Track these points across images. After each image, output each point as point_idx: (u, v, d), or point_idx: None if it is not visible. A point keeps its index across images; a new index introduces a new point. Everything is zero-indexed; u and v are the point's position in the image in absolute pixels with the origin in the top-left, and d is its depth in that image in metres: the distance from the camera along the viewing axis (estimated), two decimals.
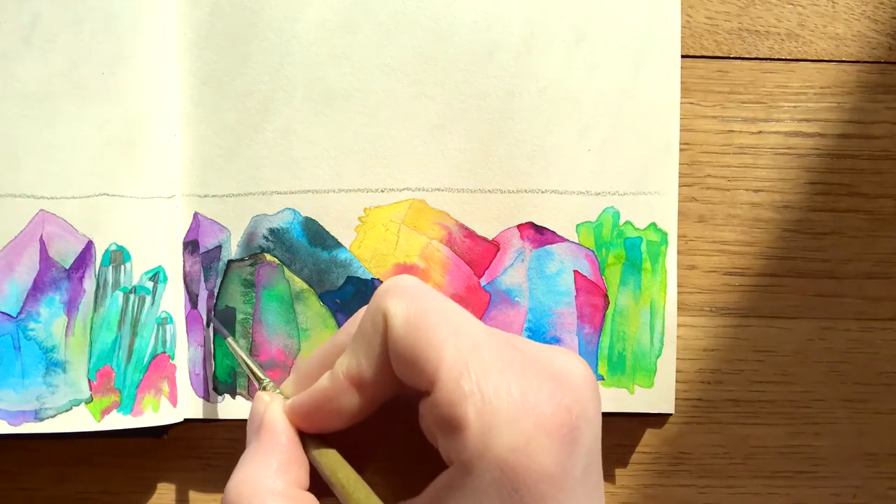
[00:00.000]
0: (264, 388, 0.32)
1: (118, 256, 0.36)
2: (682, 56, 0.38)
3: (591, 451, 0.26)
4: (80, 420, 0.36)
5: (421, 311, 0.26)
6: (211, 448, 0.39)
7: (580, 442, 0.25)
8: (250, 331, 0.37)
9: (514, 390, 0.25)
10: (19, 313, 0.36)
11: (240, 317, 0.37)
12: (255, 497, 0.27)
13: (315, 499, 0.28)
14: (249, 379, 0.37)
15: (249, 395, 0.37)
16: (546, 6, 0.37)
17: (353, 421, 0.28)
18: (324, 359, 0.30)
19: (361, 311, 0.29)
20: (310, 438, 0.29)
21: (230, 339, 0.35)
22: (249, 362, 0.34)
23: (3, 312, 0.35)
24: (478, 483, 0.24)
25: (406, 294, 0.27)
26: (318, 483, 0.29)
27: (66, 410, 0.36)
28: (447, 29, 0.37)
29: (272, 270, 0.37)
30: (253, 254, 0.37)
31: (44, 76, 0.36)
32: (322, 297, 0.37)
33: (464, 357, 0.25)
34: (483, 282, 0.38)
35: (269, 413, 0.29)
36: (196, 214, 0.37)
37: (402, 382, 0.27)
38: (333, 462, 0.28)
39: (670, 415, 0.38)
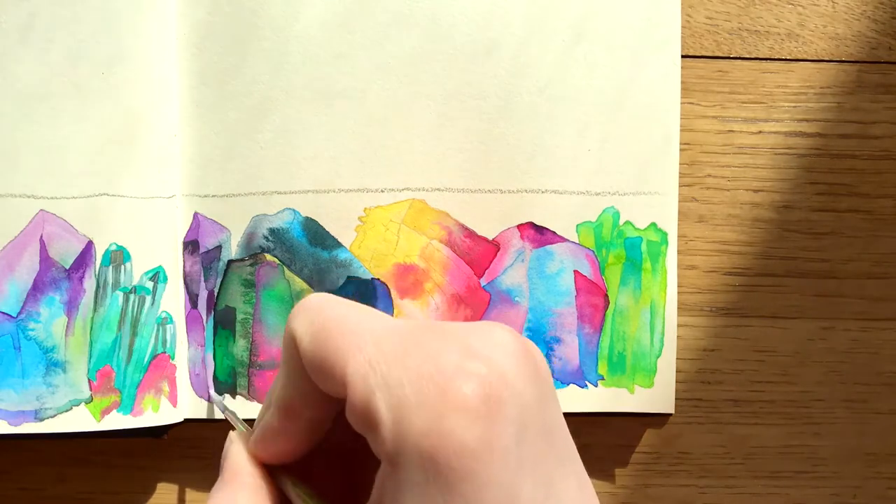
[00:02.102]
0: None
1: (118, 256, 0.36)
2: (682, 56, 0.38)
3: (524, 417, 0.25)
4: (80, 420, 0.36)
5: (321, 323, 0.26)
6: (211, 448, 0.39)
7: (502, 411, 0.24)
8: (250, 331, 0.37)
9: (419, 374, 0.24)
10: (19, 313, 0.36)
11: (240, 317, 0.37)
12: None
13: None
14: (250, 381, 0.37)
15: (250, 396, 0.37)
16: (545, 5, 0.37)
17: (307, 445, 0.29)
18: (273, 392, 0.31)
19: None
20: (280, 471, 0.30)
21: (227, 413, 0.35)
22: (239, 424, 0.34)
23: (3, 312, 0.35)
24: (404, 474, 0.24)
25: (308, 311, 0.27)
26: None
27: (66, 410, 0.35)
28: (446, 28, 0.37)
29: (272, 270, 0.37)
30: (253, 254, 0.37)
31: (43, 76, 0.36)
32: None
33: (366, 355, 0.25)
34: (483, 282, 0.38)
35: (231, 450, 0.30)
36: (196, 214, 0.37)
37: (335, 399, 0.27)
38: (298, 490, 0.29)
39: (670, 415, 0.38)
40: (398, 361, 0.25)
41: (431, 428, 0.24)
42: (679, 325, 0.39)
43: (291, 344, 0.27)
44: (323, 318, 0.27)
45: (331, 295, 0.29)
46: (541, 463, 0.25)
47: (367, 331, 0.26)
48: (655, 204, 0.38)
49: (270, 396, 0.30)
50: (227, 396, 0.37)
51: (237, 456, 0.30)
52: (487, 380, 0.24)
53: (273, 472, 0.30)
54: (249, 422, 0.37)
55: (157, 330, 0.36)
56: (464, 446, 0.24)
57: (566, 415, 0.26)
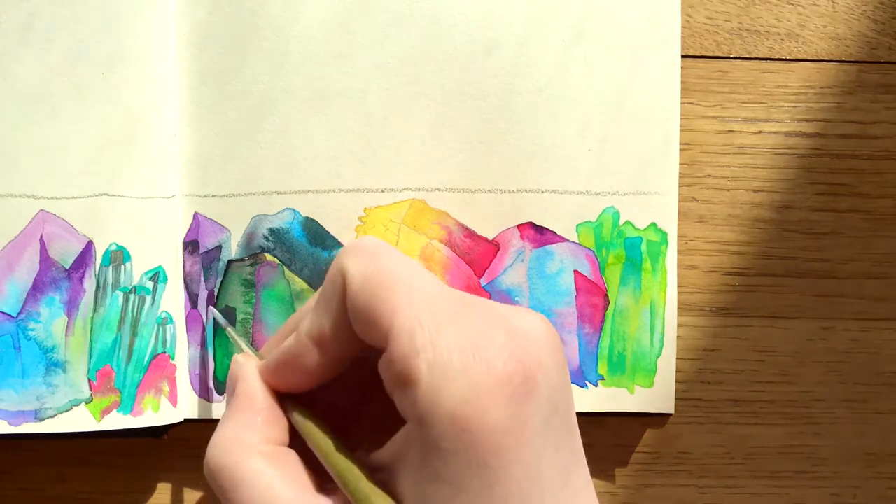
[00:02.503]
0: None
1: (118, 256, 0.36)
2: (682, 56, 0.38)
3: (552, 404, 0.26)
4: (80, 420, 0.36)
5: (377, 269, 0.27)
6: None
7: (536, 394, 0.25)
8: (250, 331, 0.37)
9: (466, 344, 0.25)
10: (19, 313, 0.36)
11: (240, 317, 0.37)
12: (234, 454, 0.28)
13: (295, 454, 0.28)
14: None
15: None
16: (545, 5, 0.37)
17: (320, 379, 0.29)
18: (295, 324, 0.31)
19: None
20: (288, 400, 0.30)
21: (229, 330, 0.35)
22: (243, 344, 0.34)
23: (3, 312, 0.35)
24: (432, 436, 0.24)
25: (364, 254, 0.27)
26: (301, 442, 0.29)
27: (66, 410, 0.35)
28: (446, 28, 0.37)
29: (272, 270, 0.37)
30: (253, 254, 0.37)
31: (43, 76, 0.36)
32: None
33: (416, 313, 0.25)
34: (483, 282, 0.38)
35: (244, 373, 0.30)
36: (196, 214, 0.37)
37: (362, 344, 0.28)
38: (308, 421, 0.29)
39: (670, 415, 0.38)
40: (447, 328, 0.25)
41: (470, 398, 0.24)
42: (679, 325, 0.39)
43: (339, 281, 0.27)
44: (377, 265, 0.27)
45: (384, 242, 0.29)
46: (561, 451, 0.26)
47: (419, 289, 0.26)
48: (655, 204, 0.38)
49: (292, 326, 0.31)
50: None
51: (252, 381, 0.30)
52: (527, 363, 0.25)
53: (280, 400, 0.30)
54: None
55: (157, 330, 0.36)
56: (499, 422, 0.24)
57: None
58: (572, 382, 0.38)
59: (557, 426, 0.26)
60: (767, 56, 0.39)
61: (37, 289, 0.36)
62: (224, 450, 0.28)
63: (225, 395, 0.31)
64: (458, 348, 0.25)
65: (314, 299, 0.30)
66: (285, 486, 0.27)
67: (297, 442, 0.29)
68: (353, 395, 0.31)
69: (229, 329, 0.35)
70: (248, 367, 0.30)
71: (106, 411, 0.36)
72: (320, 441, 0.28)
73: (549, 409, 0.25)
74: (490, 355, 0.25)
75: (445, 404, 0.24)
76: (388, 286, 0.26)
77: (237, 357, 0.31)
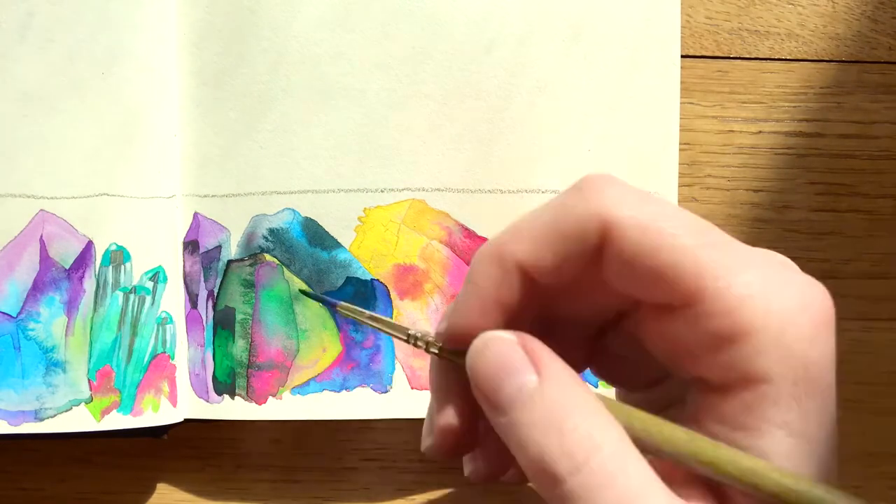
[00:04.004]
0: (423, 343, 0.27)
1: (118, 256, 0.36)
2: (682, 56, 0.38)
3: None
4: (80, 420, 0.36)
5: (655, 215, 0.23)
6: (211, 448, 0.39)
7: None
8: (249, 331, 0.37)
9: (788, 284, 0.23)
10: (19, 313, 0.36)
11: (239, 317, 0.37)
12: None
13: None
14: (248, 381, 0.37)
15: (248, 397, 0.37)
16: (545, 5, 0.37)
17: (504, 319, 0.25)
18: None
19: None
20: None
21: (341, 306, 0.30)
22: (384, 318, 0.29)
23: (3, 312, 0.35)
24: (780, 388, 0.22)
25: (630, 199, 0.24)
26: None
27: (66, 410, 0.36)
28: (445, 27, 0.37)
29: (272, 270, 0.37)
30: (253, 254, 0.37)
31: (42, 75, 0.36)
32: None
33: (725, 261, 0.23)
34: None
35: (534, 344, 0.24)
36: (196, 214, 0.37)
37: (587, 295, 0.24)
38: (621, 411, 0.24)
39: None
40: (761, 271, 0.23)
41: (815, 339, 0.23)
42: None
43: (597, 226, 0.23)
44: (652, 209, 0.24)
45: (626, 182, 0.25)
46: None
47: (705, 233, 0.24)
48: None
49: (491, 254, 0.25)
50: (227, 397, 0.37)
51: (542, 346, 0.24)
52: (831, 305, 0.24)
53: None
54: (241, 422, 0.38)
55: (157, 330, 0.37)
56: (833, 360, 0.23)
57: None
58: None
59: None
60: (767, 56, 0.39)
61: (37, 289, 0.36)
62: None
63: (493, 383, 0.24)
64: (783, 291, 0.23)
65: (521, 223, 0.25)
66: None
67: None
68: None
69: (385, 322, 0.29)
70: (532, 340, 0.24)
71: (106, 411, 0.36)
72: (660, 430, 0.23)
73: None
74: (814, 299, 0.23)
75: (796, 350, 0.22)
76: (677, 235, 0.23)
77: (494, 335, 0.24)
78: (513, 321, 0.24)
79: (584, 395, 0.23)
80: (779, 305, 0.23)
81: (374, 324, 0.29)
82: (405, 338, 0.27)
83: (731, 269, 0.23)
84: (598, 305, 0.26)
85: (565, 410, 0.22)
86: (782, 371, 0.22)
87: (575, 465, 0.22)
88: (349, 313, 0.29)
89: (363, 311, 0.29)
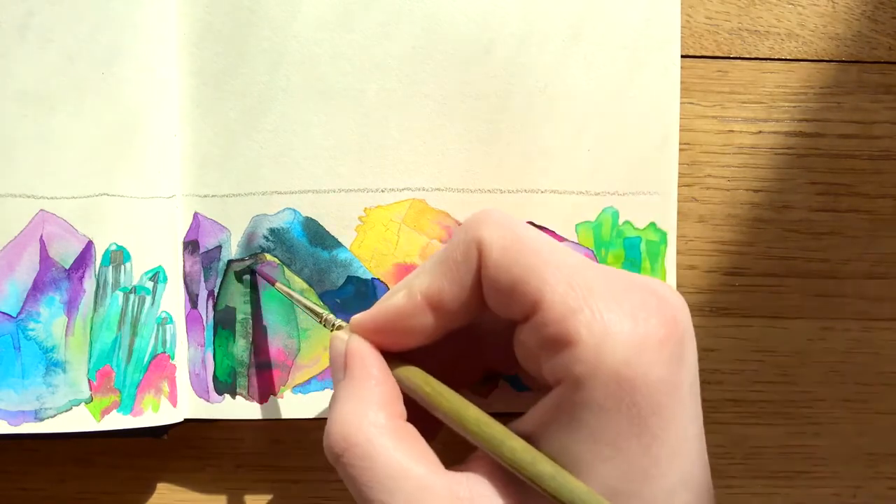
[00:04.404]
0: (331, 326, 0.32)
1: (118, 256, 0.36)
2: (682, 56, 0.38)
3: (695, 369, 0.26)
4: (80, 420, 0.36)
5: (516, 238, 0.27)
6: (211, 448, 0.39)
7: (685, 357, 0.26)
8: (250, 331, 0.37)
9: (623, 305, 0.25)
10: (19, 313, 0.36)
11: (240, 317, 0.37)
12: (360, 433, 0.27)
13: (415, 429, 0.28)
14: (249, 381, 0.37)
15: (249, 396, 0.37)
16: (545, 5, 0.37)
17: (423, 341, 0.29)
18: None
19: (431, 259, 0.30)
20: (389, 359, 0.29)
21: (279, 284, 0.35)
22: (304, 301, 0.34)
23: (3, 312, 0.35)
24: (591, 397, 0.24)
25: (499, 224, 0.28)
26: (413, 414, 0.29)
27: (66, 410, 0.36)
28: (445, 27, 0.37)
29: (272, 270, 0.37)
30: (253, 254, 0.37)
31: (42, 75, 0.36)
32: (322, 296, 0.37)
33: (566, 276, 0.26)
34: None
35: (355, 346, 0.29)
36: (196, 214, 0.37)
37: (478, 312, 0.28)
38: (420, 376, 0.28)
39: None
40: (602, 289, 0.25)
41: (633, 357, 0.24)
42: None
43: (473, 252, 0.27)
44: (516, 234, 0.27)
45: (508, 214, 0.29)
46: (699, 414, 0.27)
47: (561, 254, 0.27)
48: (654, 204, 0.38)
49: (404, 287, 0.30)
50: (227, 397, 0.37)
51: (367, 356, 0.29)
52: (679, 326, 0.26)
53: (389, 360, 0.29)
54: (241, 422, 0.38)
55: (157, 330, 0.37)
56: (661, 381, 0.24)
57: None
58: None
59: (697, 392, 0.26)
60: (767, 56, 0.39)
61: (37, 289, 0.36)
62: (354, 428, 0.27)
63: (332, 371, 0.30)
64: (615, 308, 0.25)
65: (418, 272, 0.30)
66: (415, 462, 0.27)
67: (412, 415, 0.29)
68: (443, 361, 0.30)
69: (290, 292, 0.35)
70: (358, 342, 0.29)
71: (106, 411, 0.36)
72: (434, 392, 0.27)
73: (693, 373, 0.26)
74: (648, 315, 0.25)
75: (608, 363, 0.24)
76: (530, 253, 0.26)
77: (338, 334, 0.30)
78: (446, 326, 0.29)
79: (369, 392, 0.28)
80: (602, 323, 0.25)
81: (299, 303, 0.35)
82: (319, 320, 0.33)
83: (570, 286, 0.25)
84: (497, 320, 0.29)
85: (348, 405, 0.28)
86: (593, 382, 0.24)
87: (343, 447, 0.27)
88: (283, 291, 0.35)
89: (291, 292, 0.35)
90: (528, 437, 0.26)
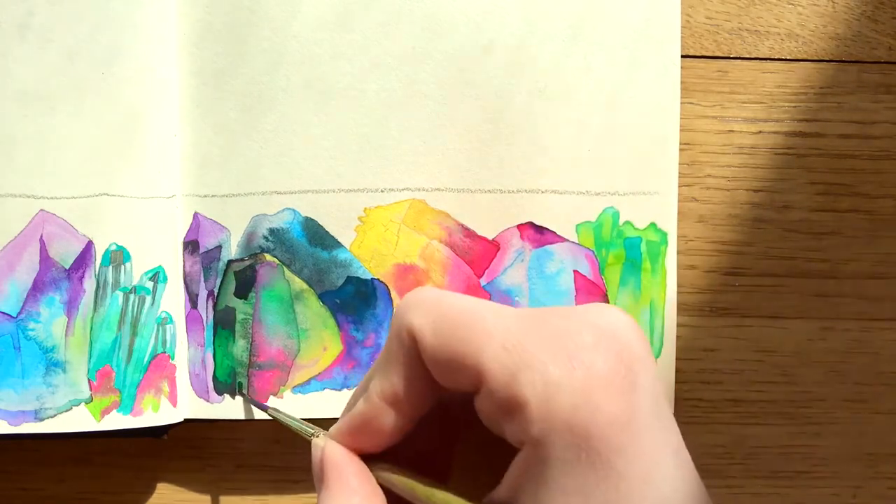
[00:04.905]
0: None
1: (118, 256, 0.36)
2: (682, 56, 0.38)
3: (653, 392, 0.26)
4: (80, 420, 0.36)
5: (442, 315, 0.27)
6: (211, 448, 0.39)
7: (639, 384, 0.25)
8: (250, 331, 0.37)
9: (560, 353, 0.25)
10: (19, 313, 0.36)
11: (240, 317, 0.37)
12: None
13: None
14: (249, 381, 0.37)
15: (249, 396, 0.37)
16: (544, 4, 0.37)
17: (395, 439, 0.29)
18: (361, 394, 0.31)
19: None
20: (372, 461, 0.29)
21: (271, 410, 0.36)
22: (297, 423, 0.34)
23: (3, 312, 0.35)
24: (552, 453, 0.24)
25: (424, 305, 0.27)
26: None
27: (66, 410, 0.36)
28: (445, 27, 0.37)
29: (272, 270, 0.37)
30: (253, 254, 0.37)
31: (42, 75, 0.36)
32: (322, 297, 0.37)
33: (502, 342, 0.25)
34: (483, 282, 0.38)
35: (329, 454, 0.30)
36: (196, 214, 0.37)
37: (437, 392, 0.27)
38: (399, 475, 0.28)
39: None
40: (534, 343, 0.25)
41: (580, 404, 0.24)
42: (679, 325, 0.39)
43: (407, 338, 0.27)
44: (442, 309, 0.27)
45: (436, 288, 0.29)
46: (669, 433, 0.26)
47: (491, 317, 0.26)
48: (655, 204, 0.38)
49: (363, 389, 0.30)
50: (227, 397, 0.37)
51: (338, 456, 0.29)
52: (623, 355, 0.25)
53: (367, 463, 0.29)
54: (241, 422, 0.38)
55: (157, 330, 0.37)
56: (614, 418, 0.24)
57: None
58: None
59: (662, 411, 0.26)
60: (767, 56, 0.39)
61: (37, 289, 0.36)
62: None
63: (314, 479, 0.31)
64: (552, 360, 0.25)
65: (376, 364, 0.30)
66: None
67: None
68: (432, 442, 0.31)
69: (279, 414, 0.35)
70: (332, 448, 0.30)
71: (106, 411, 0.36)
72: (420, 491, 0.27)
73: (651, 396, 0.25)
74: (585, 357, 0.25)
75: (559, 415, 0.24)
76: (461, 326, 0.26)
77: (316, 441, 0.30)
78: (411, 417, 0.29)
79: (339, 498, 0.28)
80: (543, 378, 0.24)
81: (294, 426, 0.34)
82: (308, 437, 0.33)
83: (505, 349, 0.25)
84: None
85: None
86: (550, 438, 0.24)
87: None
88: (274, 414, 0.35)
89: (286, 415, 0.34)
90: (509, 502, 0.26)
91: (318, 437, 0.32)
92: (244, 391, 0.37)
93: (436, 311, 0.27)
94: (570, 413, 0.24)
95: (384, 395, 0.28)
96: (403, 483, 0.28)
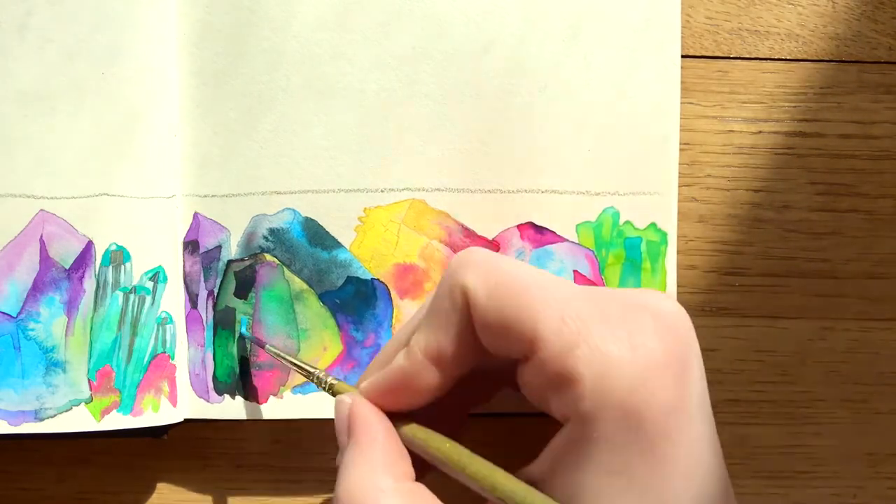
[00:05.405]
0: (323, 383, 0.32)
1: (118, 256, 0.36)
2: (682, 56, 0.38)
3: (701, 382, 0.26)
4: (80, 420, 0.36)
5: (502, 278, 0.26)
6: (211, 448, 0.39)
7: (690, 373, 0.25)
8: (250, 331, 0.37)
9: (619, 333, 0.25)
10: (19, 313, 0.36)
11: (240, 317, 0.37)
12: (366, 499, 0.27)
13: (426, 488, 0.28)
14: (249, 381, 0.37)
15: (249, 396, 0.37)
16: (544, 4, 0.37)
17: (430, 398, 0.28)
18: (394, 352, 0.30)
19: (427, 302, 0.29)
20: (396, 419, 0.29)
21: (269, 346, 0.36)
22: (299, 362, 0.34)
23: (3, 312, 0.35)
24: (601, 431, 0.24)
25: (482, 266, 0.27)
26: (419, 471, 0.28)
27: (66, 410, 0.36)
28: (444, 27, 0.37)
29: (272, 270, 0.37)
30: (253, 254, 0.37)
31: (41, 74, 0.36)
32: (322, 297, 0.37)
33: (560, 312, 0.25)
34: None
35: (359, 410, 0.29)
36: (196, 214, 0.37)
37: (482, 355, 0.27)
38: (428, 436, 0.28)
39: None
40: (594, 320, 0.25)
41: (637, 386, 0.24)
42: None
43: (459, 297, 0.27)
44: (500, 273, 0.26)
45: (491, 251, 0.28)
46: (710, 421, 0.26)
47: (551, 288, 0.26)
48: (655, 204, 0.38)
49: (399, 345, 0.29)
50: (227, 397, 0.37)
51: (371, 419, 0.29)
52: (680, 343, 0.25)
53: (394, 421, 0.29)
54: (241, 422, 0.38)
55: (157, 330, 0.37)
56: (667, 404, 0.24)
57: None
58: None
59: (705, 401, 0.26)
60: (767, 56, 0.39)
61: (37, 289, 0.36)
62: (360, 494, 0.27)
63: (337, 434, 0.30)
64: (612, 339, 0.24)
65: (410, 325, 0.30)
66: None
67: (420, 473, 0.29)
68: (453, 403, 0.30)
69: (279, 353, 0.35)
70: (361, 405, 0.29)
71: (106, 411, 0.36)
72: (447, 452, 0.27)
73: (700, 386, 0.26)
74: (646, 340, 0.25)
75: (614, 395, 0.24)
76: (519, 292, 0.26)
77: (342, 397, 0.30)
78: (453, 377, 0.28)
79: (375, 457, 0.28)
80: (601, 356, 0.24)
81: (290, 363, 0.34)
82: (310, 378, 0.33)
83: (563, 321, 0.25)
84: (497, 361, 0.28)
85: (354, 471, 0.28)
86: (600, 418, 0.24)
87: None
88: (274, 352, 0.35)
89: (285, 355, 0.35)
90: (544, 477, 0.26)
91: (328, 384, 0.31)
92: (245, 331, 0.37)
93: (493, 272, 0.26)
94: (626, 394, 0.24)
95: (428, 352, 0.27)
96: (435, 447, 0.28)
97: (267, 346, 0.36)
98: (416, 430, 0.28)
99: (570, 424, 0.25)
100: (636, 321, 0.25)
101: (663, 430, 0.24)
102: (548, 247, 0.38)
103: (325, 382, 0.33)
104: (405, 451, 0.28)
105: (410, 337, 0.29)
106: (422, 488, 0.28)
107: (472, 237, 0.38)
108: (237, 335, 0.37)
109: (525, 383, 0.26)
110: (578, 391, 0.24)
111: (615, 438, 0.24)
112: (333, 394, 0.32)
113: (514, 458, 0.27)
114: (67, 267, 0.36)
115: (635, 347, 0.25)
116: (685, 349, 0.25)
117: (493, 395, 0.32)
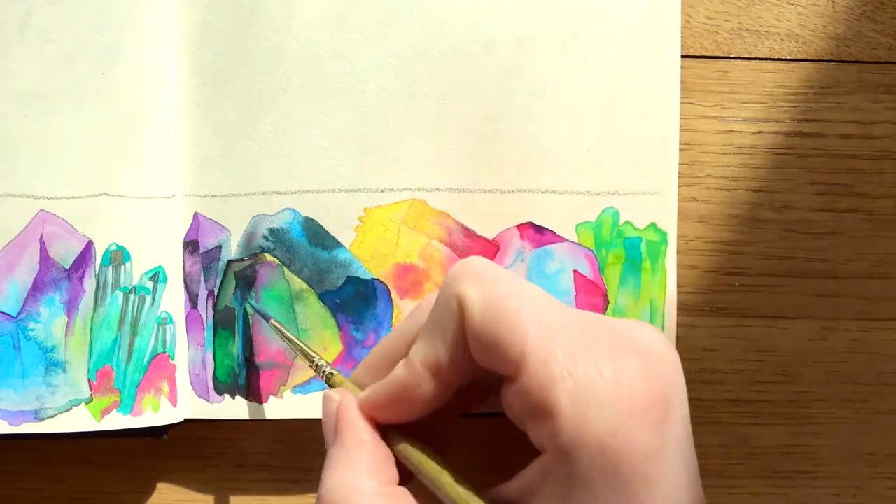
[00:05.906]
0: (322, 372, 0.32)
1: (118, 256, 0.36)
2: (682, 56, 0.38)
3: (683, 419, 0.26)
4: (80, 420, 0.36)
5: (498, 295, 0.26)
6: (211, 448, 0.39)
7: (672, 413, 0.25)
8: (250, 331, 0.37)
9: (605, 371, 0.24)
10: (19, 313, 0.36)
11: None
12: (349, 502, 0.27)
13: (408, 493, 0.27)
14: (249, 381, 0.37)
15: (249, 396, 0.37)
16: (543, 4, 0.37)
17: (430, 409, 0.28)
18: (391, 349, 0.30)
19: (426, 300, 0.29)
20: (388, 430, 0.29)
21: (273, 322, 0.35)
22: (302, 344, 0.34)
23: (3, 312, 0.35)
24: (576, 468, 0.24)
25: (481, 278, 0.26)
26: (404, 475, 0.28)
27: (66, 410, 0.36)
28: (443, 27, 0.37)
29: (272, 270, 0.37)
30: (253, 254, 0.37)
31: (41, 74, 0.36)
32: (322, 297, 0.37)
33: (549, 340, 0.24)
34: None
35: (346, 412, 0.29)
36: (196, 214, 0.37)
37: (474, 371, 0.27)
38: (416, 452, 0.28)
39: None
40: (586, 355, 0.24)
41: (619, 428, 0.24)
42: (679, 325, 0.39)
43: (455, 307, 0.26)
44: (498, 289, 0.26)
45: (493, 263, 0.28)
46: (690, 466, 0.26)
47: (545, 313, 0.25)
48: (655, 204, 0.38)
49: (382, 350, 0.29)
50: (227, 397, 0.37)
51: (356, 421, 0.28)
52: (664, 386, 0.25)
53: (383, 432, 0.29)
54: (241, 422, 0.38)
55: (157, 330, 0.37)
56: (646, 448, 0.24)
57: None
58: None
59: (687, 440, 0.26)
60: (767, 56, 0.39)
61: (37, 289, 0.36)
62: (343, 496, 0.27)
63: (324, 431, 0.30)
64: (597, 376, 0.24)
65: (406, 324, 0.29)
66: None
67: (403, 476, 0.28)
68: (443, 413, 0.30)
69: (283, 330, 0.35)
70: (349, 407, 0.29)
71: (106, 411, 0.36)
72: (436, 474, 0.27)
73: (682, 425, 0.25)
74: (631, 382, 0.24)
75: (592, 435, 0.23)
76: (513, 313, 0.25)
77: (330, 393, 0.30)
78: (451, 389, 0.28)
79: (359, 459, 0.28)
80: (585, 392, 0.24)
81: (293, 345, 0.35)
82: (311, 364, 0.33)
83: (551, 349, 0.24)
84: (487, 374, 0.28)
85: (338, 473, 0.28)
86: (577, 454, 0.24)
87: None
88: (277, 329, 0.35)
89: (287, 333, 0.35)
90: (519, 501, 0.26)
91: (328, 373, 0.31)
92: (252, 302, 0.37)
93: (489, 287, 0.26)
94: (605, 436, 0.23)
95: (427, 363, 0.27)
96: (413, 456, 0.27)
97: (271, 321, 0.36)
98: (407, 447, 0.28)
99: (547, 455, 0.25)
100: (623, 358, 0.25)
101: (641, 474, 0.24)
102: (548, 247, 0.38)
103: (323, 371, 0.33)
104: (391, 455, 0.28)
105: (405, 336, 0.29)
106: (404, 493, 0.27)
107: (472, 237, 0.38)
108: (242, 310, 0.37)
109: (507, 404, 0.26)
110: (557, 425, 0.24)
111: (591, 476, 0.24)
112: (330, 384, 0.32)
113: (503, 457, 0.27)
114: (67, 267, 0.36)
115: (619, 387, 0.24)
116: (669, 391, 0.25)
117: (486, 400, 0.31)
